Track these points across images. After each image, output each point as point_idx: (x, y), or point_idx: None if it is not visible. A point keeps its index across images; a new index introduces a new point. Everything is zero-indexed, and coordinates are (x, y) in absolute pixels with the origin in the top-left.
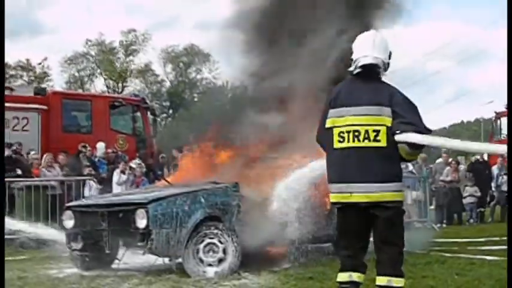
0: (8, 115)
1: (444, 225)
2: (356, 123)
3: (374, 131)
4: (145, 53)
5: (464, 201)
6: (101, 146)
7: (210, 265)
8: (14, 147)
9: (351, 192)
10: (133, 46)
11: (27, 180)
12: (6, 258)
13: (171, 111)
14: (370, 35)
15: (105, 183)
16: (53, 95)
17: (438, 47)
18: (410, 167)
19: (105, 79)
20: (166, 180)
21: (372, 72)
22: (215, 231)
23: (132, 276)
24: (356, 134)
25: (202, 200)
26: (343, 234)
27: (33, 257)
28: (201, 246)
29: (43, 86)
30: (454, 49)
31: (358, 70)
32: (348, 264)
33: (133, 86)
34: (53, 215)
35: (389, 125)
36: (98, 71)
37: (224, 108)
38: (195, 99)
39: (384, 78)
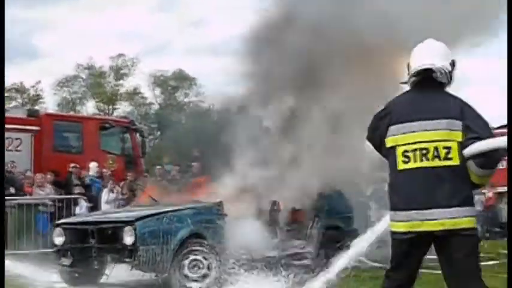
0: None
1: None
2: (423, 140)
3: (444, 147)
4: (135, 76)
5: None
6: (93, 165)
7: (194, 280)
8: (8, 167)
9: (422, 220)
10: (123, 70)
11: (20, 198)
12: None
13: (158, 132)
14: (426, 42)
15: (96, 202)
16: (46, 117)
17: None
18: (386, 187)
19: (95, 102)
20: (151, 197)
21: (432, 81)
22: (200, 248)
23: None
24: (424, 152)
25: (188, 218)
26: (399, 265)
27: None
28: (186, 262)
29: (36, 108)
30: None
31: (413, 79)
32: None
33: (123, 109)
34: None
35: (460, 140)
36: (89, 93)
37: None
38: (182, 121)
39: None
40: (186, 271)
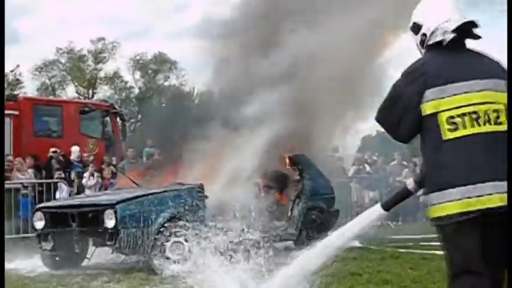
0: None
1: (399, 223)
2: (472, 103)
3: (494, 111)
4: (115, 60)
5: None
6: (75, 149)
7: (176, 262)
8: None
9: (479, 196)
10: (103, 54)
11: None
12: None
13: (139, 116)
14: None
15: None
16: (25, 101)
17: (397, 55)
18: (368, 168)
19: (75, 86)
20: (132, 181)
21: (463, 38)
22: (181, 230)
23: (101, 275)
24: (474, 116)
25: (169, 200)
26: (468, 258)
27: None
28: (168, 244)
29: (15, 92)
30: (412, 58)
31: (451, 36)
32: None
33: (103, 93)
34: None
35: (506, 101)
36: (68, 78)
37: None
38: (163, 105)
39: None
40: (168, 253)
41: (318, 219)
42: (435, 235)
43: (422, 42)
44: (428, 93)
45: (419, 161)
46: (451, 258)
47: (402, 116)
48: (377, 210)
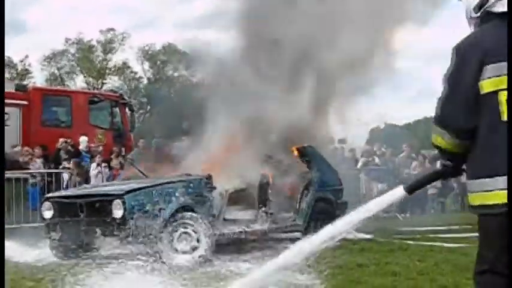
0: None
1: (408, 215)
2: None
3: None
4: (124, 51)
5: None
6: (83, 139)
7: (184, 253)
8: None
9: None
10: (112, 44)
11: (8, 173)
12: None
13: (148, 107)
14: None
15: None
16: (34, 91)
17: (404, 46)
18: (377, 160)
19: (84, 76)
20: (141, 172)
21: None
22: (189, 221)
23: (109, 264)
24: None
25: (177, 191)
26: (500, 258)
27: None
28: (176, 235)
29: (24, 82)
30: (419, 49)
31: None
32: None
33: (112, 83)
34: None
35: None
36: (77, 68)
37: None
38: (172, 95)
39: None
40: (176, 244)
41: (326, 210)
42: (443, 227)
43: (479, 7)
44: (489, 68)
45: (428, 153)
46: (482, 253)
47: (466, 96)
48: (399, 192)
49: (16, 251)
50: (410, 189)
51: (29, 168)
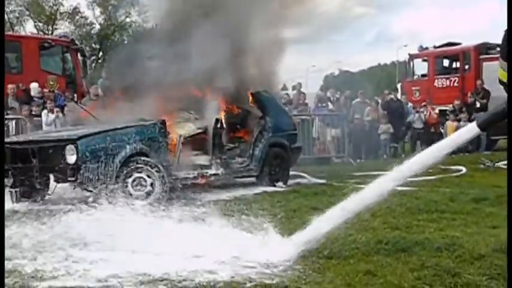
0: None
1: (362, 160)
2: None
3: None
4: None
5: (380, 137)
6: (34, 86)
7: (138, 198)
8: None
9: None
10: None
11: None
12: None
13: (101, 53)
14: None
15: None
16: None
17: None
18: (330, 106)
19: (34, 22)
20: (93, 116)
21: None
22: (143, 166)
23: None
24: None
25: (131, 136)
26: None
27: None
28: (130, 180)
29: None
30: None
31: None
32: None
33: (63, 29)
34: None
35: None
36: (27, 13)
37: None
38: (125, 42)
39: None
40: (130, 189)
41: (280, 155)
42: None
43: None
44: None
45: (381, 99)
46: None
47: None
48: (473, 128)
49: None
50: (484, 126)
51: None
